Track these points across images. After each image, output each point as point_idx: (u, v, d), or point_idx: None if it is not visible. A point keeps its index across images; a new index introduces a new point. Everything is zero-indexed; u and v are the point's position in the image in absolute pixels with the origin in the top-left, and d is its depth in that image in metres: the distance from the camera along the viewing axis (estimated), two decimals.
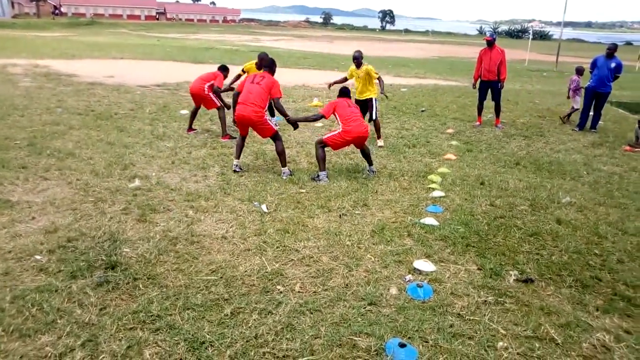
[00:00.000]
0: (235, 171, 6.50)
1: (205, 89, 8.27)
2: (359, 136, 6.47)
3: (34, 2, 75.22)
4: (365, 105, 8.25)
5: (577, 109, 10.87)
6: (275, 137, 6.51)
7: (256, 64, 8.63)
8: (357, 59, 8.21)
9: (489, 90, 10.09)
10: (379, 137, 8.34)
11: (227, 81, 8.78)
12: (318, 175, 6.38)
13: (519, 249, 4.64)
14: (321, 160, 6.40)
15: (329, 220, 5.13)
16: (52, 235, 4.44)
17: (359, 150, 6.82)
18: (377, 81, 8.30)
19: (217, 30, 66.34)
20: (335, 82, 8.87)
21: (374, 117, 8.27)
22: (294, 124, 6.78)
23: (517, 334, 3.36)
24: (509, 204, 5.76)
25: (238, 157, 6.63)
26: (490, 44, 9.90)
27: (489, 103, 10.28)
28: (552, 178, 6.92)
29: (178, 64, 19.81)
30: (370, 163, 6.77)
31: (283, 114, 6.53)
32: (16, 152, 6.82)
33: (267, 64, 6.64)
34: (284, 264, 4.18)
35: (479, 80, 10.20)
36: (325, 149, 6.50)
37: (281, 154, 6.49)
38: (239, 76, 9.02)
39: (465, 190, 6.19)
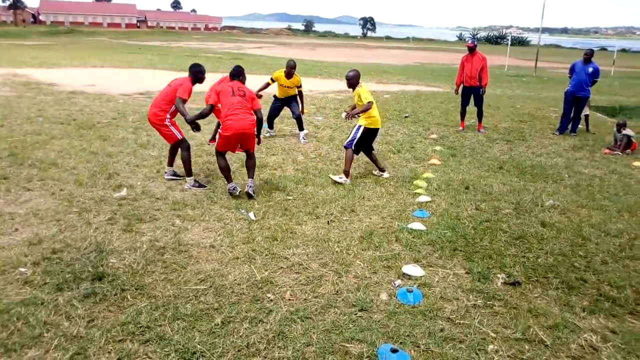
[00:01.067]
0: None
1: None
2: (238, 132, 5.64)
3: (11, 10, 74.15)
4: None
5: (587, 114, 11.01)
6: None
7: (285, 72, 8.61)
8: (349, 81, 6.80)
9: (472, 96, 10.23)
10: (344, 172, 6.61)
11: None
12: (229, 189, 5.86)
13: (505, 252, 4.70)
14: (223, 171, 5.91)
15: (317, 226, 5.13)
16: (36, 247, 4.36)
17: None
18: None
19: (199, 37, 66.13)
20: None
21: (344, 144, 6.76)
22: (192, 123, 5.97)
23: (507, 337, 3.40)
24: (494, 208, 5.84)
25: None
26: (472, 50, 10.06)
27: (471, 108, 10.42)
28: (535, 181, 7.03)
29: (160, 72, 19.68)
30: (250, 175, 5.88)
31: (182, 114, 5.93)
32: None
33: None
34: (273, 271, 4.17)
35: (462, 86, 10.33)
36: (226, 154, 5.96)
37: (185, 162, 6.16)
38: (267, 84, 8.91)
39: (450, 195, 6.25)
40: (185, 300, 3.66)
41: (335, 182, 6.46)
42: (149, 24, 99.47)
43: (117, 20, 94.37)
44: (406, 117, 11.87)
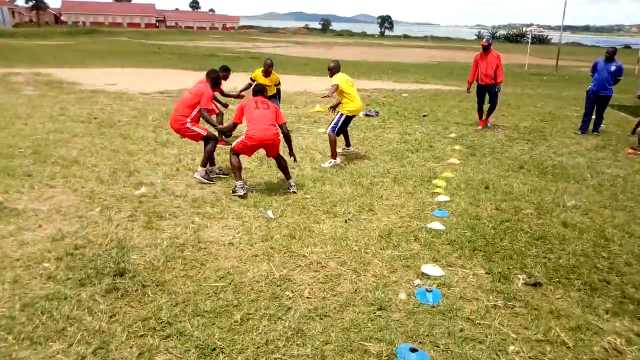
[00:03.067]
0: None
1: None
2: (262, 142, 5.87)
3: (34, 11, 75.60)
4: None
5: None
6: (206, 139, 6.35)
7: (262, 71, 8.66)
8: (331, 70, 7.61)
9: (487, 94, 10.31)
10: (332, 155, 7.41)
11: (227, 87, 8.53)
12: (234, 187, 5.89)
13: (526, 252, 4.64)
14: (235, 169, 5.89)
15: (335, 225, 5.13)
16: (59, 242, 4.45)
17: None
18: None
19: (217, 37, 66.59)
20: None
21: (327, 130, 7.51)
22: (221, 132, 6.46)
23: (528, 338, 3.35)
24: (514, 208, 5.76)
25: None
26: (486, 49, 10.10)
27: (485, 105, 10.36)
28: (556, 181, 6.93)
29: (179, 72, 19.88)
30: (287, 177, 6.19)
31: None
32: (21, 160, 6.84)
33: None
34: (291, 269, 4.18)
35: (477, 84, 10.39)
36: (241, 156, 6.05)
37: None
38: (249, 85, 8.70)
39: (470, 195, 6.19)
40: (204, 296, 3.69)
41: (327, 168, 7.09)
42: (168, 23, 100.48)
43: (137, 20, 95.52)
44: (424, 116, 11.79)
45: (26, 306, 3.44)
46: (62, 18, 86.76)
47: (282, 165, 6.14)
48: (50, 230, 4.70)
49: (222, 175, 6.61)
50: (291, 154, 6.30)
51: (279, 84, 8.93)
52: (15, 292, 3.63)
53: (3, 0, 64.11)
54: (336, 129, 7.36)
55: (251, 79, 8.80)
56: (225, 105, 8.35)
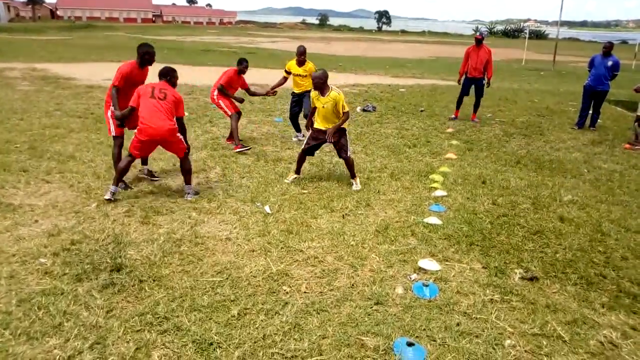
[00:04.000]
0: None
1: (215, 96, 7.49)
2: (151, 138, 5.23)
3: (30, 6, 75.15)
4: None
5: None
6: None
7: (295, 60, 8.04)
8: (316, 81, 5.99)
9: (473, 87, 10.51)
10: (352, 177, 6.23)
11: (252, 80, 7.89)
12: (113, 190, 5.33)
13: (523, 247, 4.65)
14: (118, 171, 5.38)
15: (333, 220, 5.13)
16: (55, 238, 4.43)
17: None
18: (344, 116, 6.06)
19: (214, 32, 66.30)
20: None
21: (344, 155, 6.15)
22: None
23: (524, 332, 3.37)
24: (511, 203, 5.77)
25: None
26: (479, 42, 10.28)
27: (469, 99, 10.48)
28: (553, 176, 6.94)
29: (176, 67, 19.78)
30: (186, 181, 5.55)
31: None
32: (17, 155, 6.80)
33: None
34: (288, 264, 4.18)
35: (465, 76, 10.57)
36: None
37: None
38: (284, 79, 8.34)
39: (467, 189, 6.20)
40: (201, 291, 3.68)
41: (357, 190, 6.03)
42: (165, 18, 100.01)
43: (133, 15, 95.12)
44: (422, 111, 11.78)
45: (23, 301, 3.43)
46: (58, 13, 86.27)
47: (184, 168, 5.53)
48: (46, 226, 4.69)
49: (153, 179, 6.18)
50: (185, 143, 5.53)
51: None
52: (12, 287, 3.62)
53: None
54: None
55: (286, 71, 8.24)
56: (241, 100, 7.84)
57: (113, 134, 5.84)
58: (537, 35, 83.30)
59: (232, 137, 7.77)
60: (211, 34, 59.16)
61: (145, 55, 5.74)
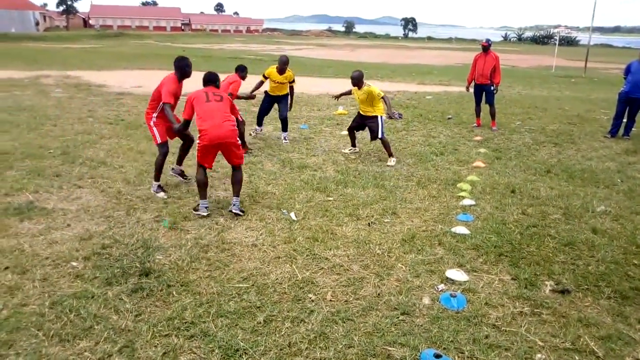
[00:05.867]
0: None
1: None
2: (215, 141, 5.11)
3: (64, 16, 77.55)
4: (367, 120, 7.75)
5: None
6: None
7: (277, 68, 8.40)
8: (354, 80, 7.49)
9: (483, 94, 10.42)
10: (390, 155, 7.70)
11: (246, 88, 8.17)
12: (197, 206, 5.32)
13: (553, 258, 4.54)
14: (198, 185, 5.31)
15: (358, 228, 5.10)
16: (87, 242, 4.53)
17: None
18: (383, 100, 7.55)
19: (241, 40, 67.20)
20: (342, 94, 8.41)
21: (379, 136, 7.64)
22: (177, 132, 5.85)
23: (556, 346, 3.28)
24: (541, 213, 5.65)
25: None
26: (486, 49, 10.25)
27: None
28: (585, 186, 6.77)
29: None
30: (235, 193, 5.38)
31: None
32: (50, 160, 7.00)
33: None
34: (314, 272, 4.18)
35: (474, 83, 10.51)
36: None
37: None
38: (261, 83, 8.67)
39: (495, 199, 6.09)
40: (228, 297, 3.71)
41: (392, 167, 7.40)
42: (193, 26, 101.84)
43: (163, 24, 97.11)
44: (449, 118, 11.66)
45: (55, 304, 3.52)
46: (91, 22, 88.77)
47: (236, 178, 5.38)
48: (78, 230, 4.80)
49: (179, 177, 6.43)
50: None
51: (293, 81, 8.63)
52: (45, 289, 3.71)
53: (36, 6, 65.94)
54: (384, 130, 7.73)
55: (264, 76, 8.52)
56: (250, 97, 8.20)
57: (159, 141, 5.86)
58: (568, 42, 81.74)
59: (245, 146, 7.93)
60: (238, 42, 59.97)
61: (186, 68, 5.81)
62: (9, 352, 3.01)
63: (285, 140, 8.83)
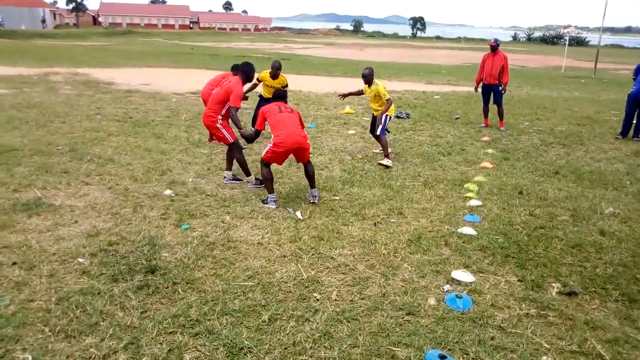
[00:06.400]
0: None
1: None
2: (291, 148, 5.59)
3: (74, 13, 78.00)
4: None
5: None
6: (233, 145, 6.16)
7: (270, 73, 8.47)
8: (366, 77, 7.59)
9: (491, 94, 10.38)
10: (385, 155, 7.56)
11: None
12: (266, 199, 5.69)
13: (561, 260, 4.50)
14: (267, 181, 5.68)
15: (364, 228, 5.10)
16: (94, 238, 4.56)
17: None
18: (387, 102, 7.53)
19: (249, 38, 67.28)
20: (350, 94, 8.37)
21: (377, 133, 7.60)
22: (243, 137, 6.14)
23: (562, 349, 3.25)
24: (549, 214, 5.61)
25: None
26: (494, 49, 10.21)
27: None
28: (593, 188, 6.71)
29: (212, 72, 20.12)
30: (312, 186, 5.84)
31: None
32: (58, 157, 7.04)
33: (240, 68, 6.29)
34: (319, 271, 4.17)
35: (482, 84, 10.47)
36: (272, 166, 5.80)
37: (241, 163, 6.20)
38: (254, 85, 8.69)
39: (503, 200, 6.06)
40: (233, 295, 3.71)
41: (386, 167, 7.27)
42: (201, 25, 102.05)
43: (171, 22, 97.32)
44: (457, 118, 11.62)
45: (61, 300, 3.54)
46: (100, 19, 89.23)
47: (309, 173, 5.85)
48: (85, 226, 4.83)
49: (235, 181, 6.42)
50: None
51: (286, 85, 8.65)
52: (52, 285, 3.73)
53: (45, 3, 66.36)
54: (385, 129, 7.62)
55: (257, 79, 8.55)
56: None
57: (231, 140, 6.17)
58: (578, 42, 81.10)
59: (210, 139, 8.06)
60: (246, 40, 60.05)
61: (251, 73, 6.22)
62: (15, 347, 3.03)
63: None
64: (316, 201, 5.76)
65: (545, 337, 3.37)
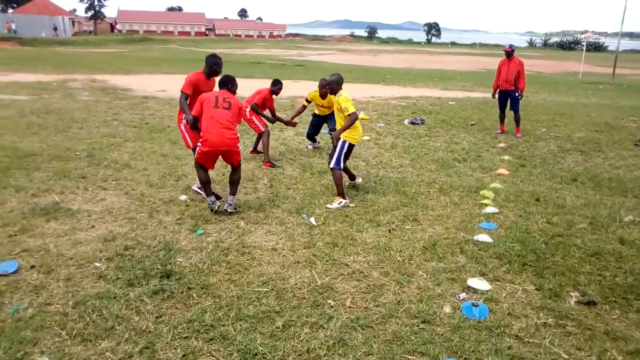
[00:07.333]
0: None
1: (247, 113, 7.59)
2: (217, 148, 5.27)
3: (92, 21, 79.32)
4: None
5: None
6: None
7: (320, 93, 8.17)
8: (330, 85, 6.01)
9: (508, 100, 10.29)
10: (339, 194, 5.92)
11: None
12: (210, 201, 5.43)
13: (579, 269, 4.42)
14: (203, 184, 5.51)
15: (378, 234, 5.07)
16: (110, 243, 4.60)
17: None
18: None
19: (264, 45, 67.73)
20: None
21: (329, 164, 5.95)
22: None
23: (581, 359, 3.19)
24: (567, 222, 5.52)
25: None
26: (509, 55, 10.16)
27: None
28: (612, 195, 6.60)
29: None
30: (231, 192, 5.53)
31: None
32: (76, 162, 7.14)
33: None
34: (333, 277, 4.16)
35: (499, 90, 10.39)
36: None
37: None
38: (303, 108, 8.58)
39: (519, 207, 5.99)
40: (247, 301, 3.71)
41: (336, 209, 5.71)
42: (217, 32, 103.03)
43: (187, 29, 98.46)
44: (472, 124, 11.54)
45: (78, 304, 3.57)
46: (118, 27, 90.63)
47: (233, 178, 5.56)
48: (102, 231, 4.88)
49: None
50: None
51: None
52: (69, 289, 3.77)
53: (65, 11, 67.60)
54: (340, 160, 5.88)
55: (307, 100, 8.51)
56: (272, 121, 8.09)
57: (191, 145, 5.89)
58: (595, 47, 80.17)
59: (256, 149, 8.15)
60: (261, 47, 60.45)
61: (214, 66, 5.88)
62: (33, 350, 3.06)
63: (309, 147, 8.83)
64: (230, 209, 5.42)
65: (563, 347, 3.31)
